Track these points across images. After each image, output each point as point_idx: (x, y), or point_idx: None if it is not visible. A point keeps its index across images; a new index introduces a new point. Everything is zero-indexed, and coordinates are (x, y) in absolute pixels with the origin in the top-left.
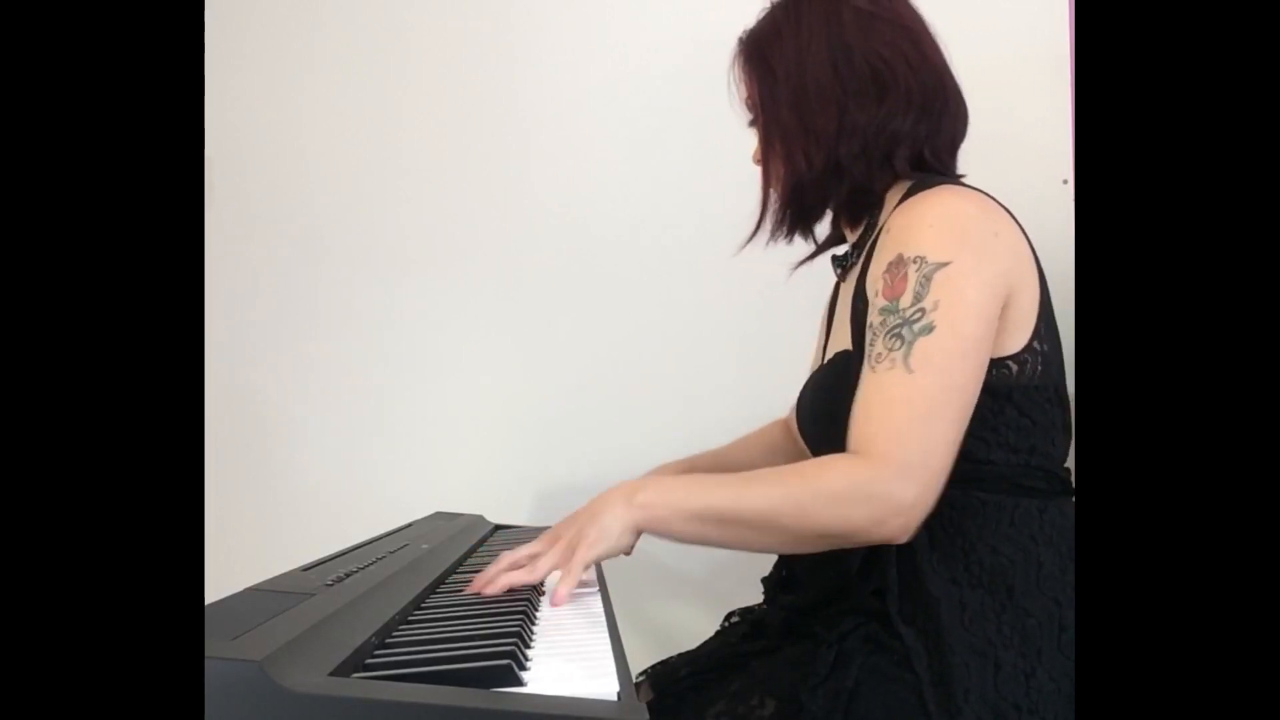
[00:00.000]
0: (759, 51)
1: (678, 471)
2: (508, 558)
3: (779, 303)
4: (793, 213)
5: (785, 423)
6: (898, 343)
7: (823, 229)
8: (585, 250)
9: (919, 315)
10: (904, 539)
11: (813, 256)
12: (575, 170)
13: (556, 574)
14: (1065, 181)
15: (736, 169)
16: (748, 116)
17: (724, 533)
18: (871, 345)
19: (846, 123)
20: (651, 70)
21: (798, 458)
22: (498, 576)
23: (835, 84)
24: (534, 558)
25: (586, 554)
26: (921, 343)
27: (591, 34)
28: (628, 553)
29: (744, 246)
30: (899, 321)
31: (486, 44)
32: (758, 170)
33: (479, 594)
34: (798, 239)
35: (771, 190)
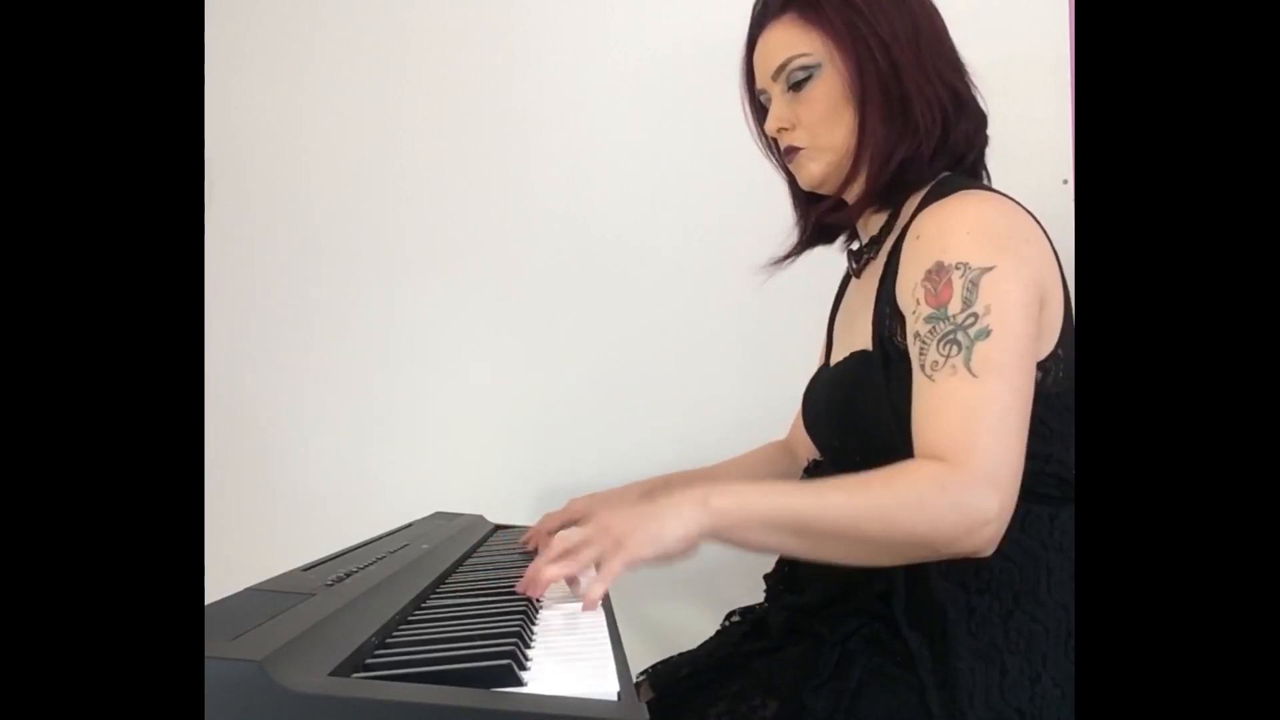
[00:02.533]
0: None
1: (651, 488)
2: (558, 545)
3: (780, 303)
4: (887, 186)
5: (783, 444)
6: (954, 349)
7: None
8: (585, 250)
9: (972, 320)
10: (989, 552)
11: (794, 256)
12: (575, 170)
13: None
14: (1065, 181)
15: (737, 169)
16: (781, 83)
17: (802, 542)
18: (923, 354)
19: (953, 89)
20: (652, 70)
21: (792, 479)
22: (544, 570)
23: (937, 50)
24: (579, 546)
25: (631, 554)
26: (980, 347)
27: (591, 34)
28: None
29: (797, 247)
30: (951, 328)
31: (486, 44)
32: (759, 169)
33: (533, 585)
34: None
35: (864, 158)
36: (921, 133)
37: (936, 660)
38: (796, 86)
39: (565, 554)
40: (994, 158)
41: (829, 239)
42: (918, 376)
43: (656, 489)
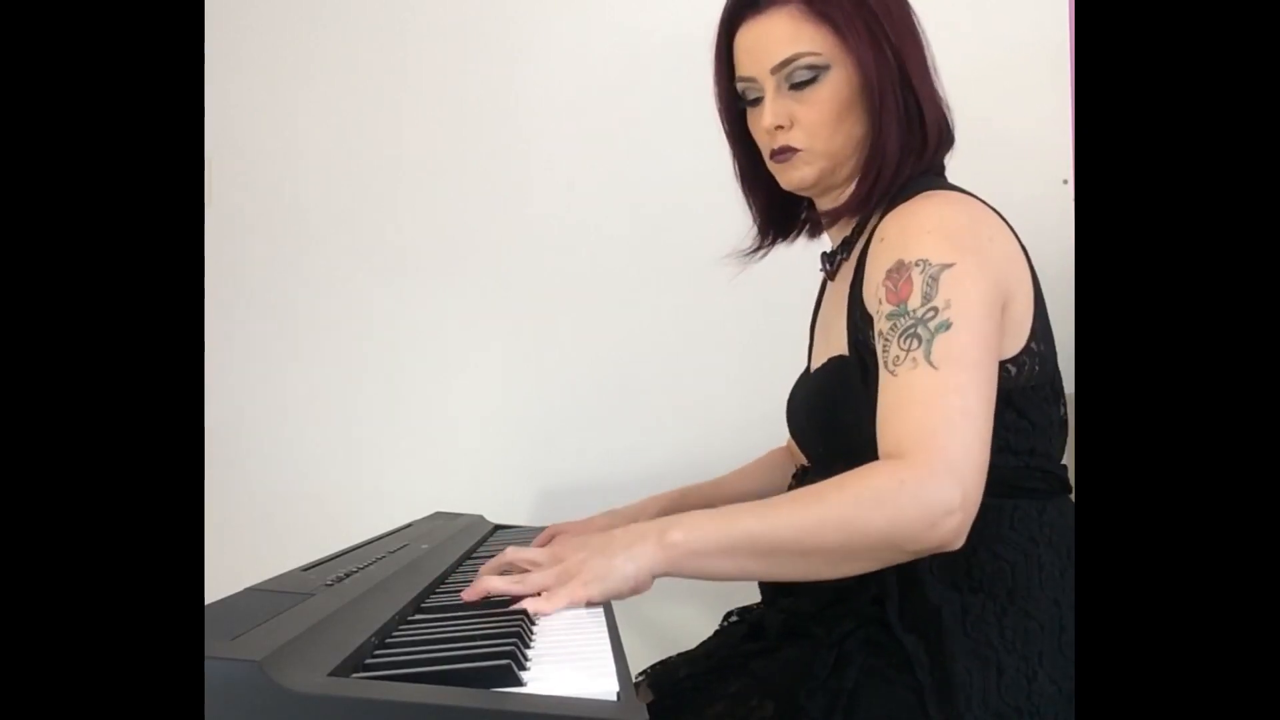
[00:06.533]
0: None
1: (667, 503)
2: (510, 554)
3: (779, 302)
4: (880, 183)
5: (786, 450)
6: (915, 342)
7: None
8: (585, 250)
9: (932, 314)
10: (958, 544)
11: (763, 251)
12: (575, 170)
13: None
14: (1065, 181)
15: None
16: (798, 74)
17: (764, 564)
18: (885, 351)
19: (940, 95)
20: (652, 69)
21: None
22: (485, 578)
23: (927, 56)
24: (532, 566)
25: (578, 592)
26: (941, 339)
27: (592, 33)
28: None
29: (762, 242)
30: (912, 322)
31: (486, 44)
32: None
33: (463, 600)
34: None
35: (874, 164)
36: (930, 142)
37: (933, 662)
38: (798, 85)
39: (513, 571)
40: (994, 158)
41: (788, 236)
42: (882, 373)
43: (673, 503)
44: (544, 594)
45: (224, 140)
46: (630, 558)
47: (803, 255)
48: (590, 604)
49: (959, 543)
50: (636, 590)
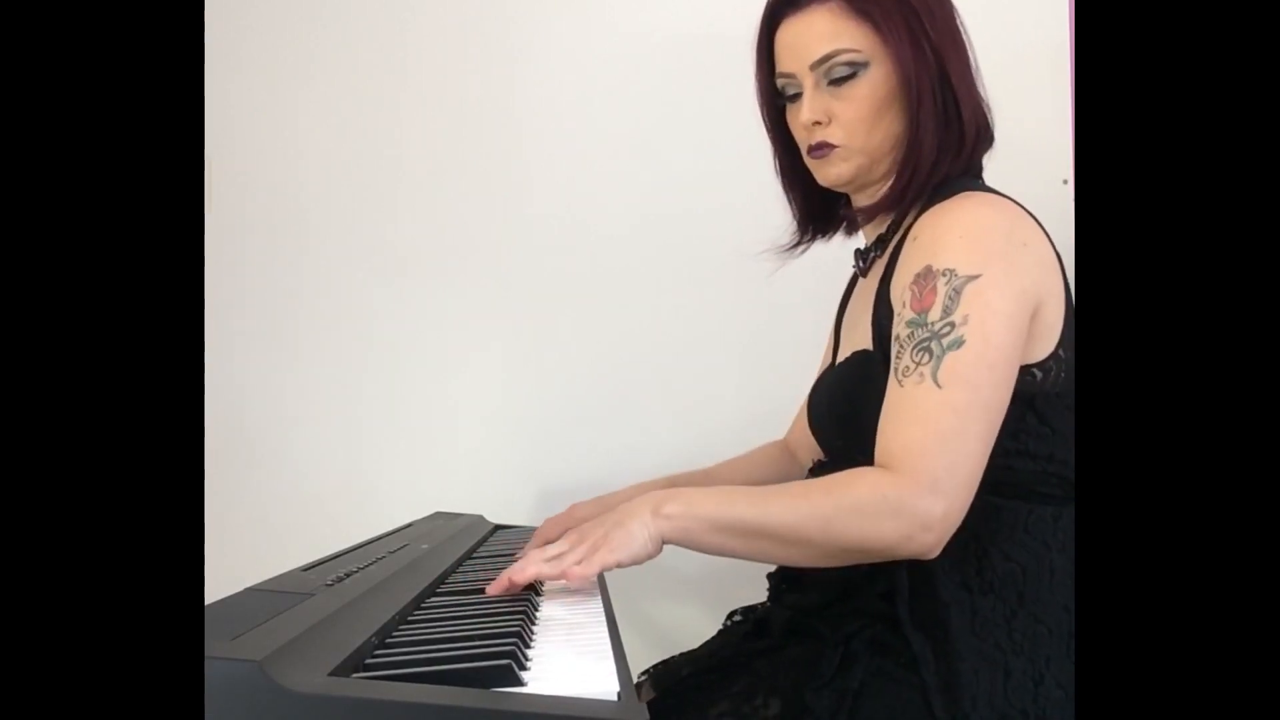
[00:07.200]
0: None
1: (658, 489)
2: (536, 556)
3: (782, 302)
4: (915, 181)
5: (782, 444)
6: (926, 357)
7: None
8: (585, 250)
9: (948, 329)
10: (933, 555)
11: (804, 245)
12: (575, 170)
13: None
14: (1065, 181)
15: (738, 167)
16: (833, 72)
17: (748, 545)
18: (898, 358)
19: (981, 95)
20: (652, 68)
21: (792, 479)
22: (528, 567)
23: (969, 56)
24: (559, 556)
25: (608, 557)
26: (950, 357)
27: (591, 32)
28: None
29: (800, 239)
30: (927, 335)
31: (486, 44)
32: (760, 167)
33: (511, 582)
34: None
35: (909, 162)
36: (968, 141)
37: (939, 662)
38: (837, 81)
39: (548, 560)
40: (994, 158)
41: (827, 232)
42: (890, 380)
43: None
44: (580, 564)
45: (224, 140)
46: (642, 525)
47: (805, 256)
48: (619, 565)
49: (934, 554)
50: (651, 555)
